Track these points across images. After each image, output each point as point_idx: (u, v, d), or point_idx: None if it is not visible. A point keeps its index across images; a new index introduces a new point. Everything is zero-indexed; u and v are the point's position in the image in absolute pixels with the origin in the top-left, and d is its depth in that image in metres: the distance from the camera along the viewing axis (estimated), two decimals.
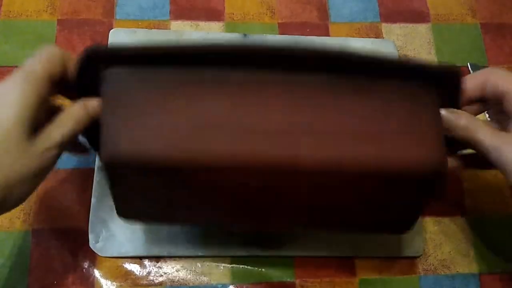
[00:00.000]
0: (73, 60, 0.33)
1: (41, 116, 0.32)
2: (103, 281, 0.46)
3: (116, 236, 0.46)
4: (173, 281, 0.46)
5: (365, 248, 0.48)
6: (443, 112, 0.35)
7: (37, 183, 0.31)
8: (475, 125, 0.35)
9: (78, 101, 0.34)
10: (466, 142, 0.36)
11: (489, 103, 0.37)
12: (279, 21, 0.58)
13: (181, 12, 0.57)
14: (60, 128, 0.32)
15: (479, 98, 0.37)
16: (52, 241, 0.47)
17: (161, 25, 0.56)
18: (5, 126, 0.29)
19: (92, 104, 0.33)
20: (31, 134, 0.30)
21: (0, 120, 0.29)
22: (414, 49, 0.58)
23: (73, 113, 0.33)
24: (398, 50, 0.57)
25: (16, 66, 0.52)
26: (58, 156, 0.32)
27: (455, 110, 0.36)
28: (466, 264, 0.50)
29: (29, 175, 0.30)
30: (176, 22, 0.57)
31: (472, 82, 0.36)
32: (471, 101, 0.37)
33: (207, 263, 0.47)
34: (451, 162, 0.39)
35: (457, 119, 0.35)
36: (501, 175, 0.36)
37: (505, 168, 0.34)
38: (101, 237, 0.46)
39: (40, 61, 0.31)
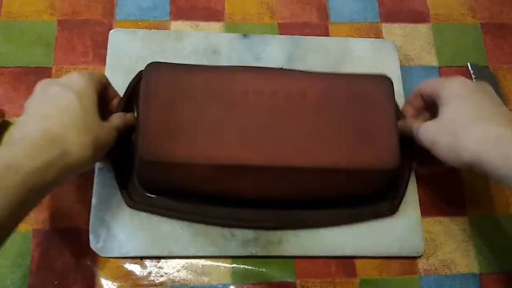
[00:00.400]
0: (111, 87, 0.47)
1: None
2: (103, 282, 0.46)
3: (116, 236, 0.46)
4: (174, 281, 0.46)
5: (365, 248, 0.48)
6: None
7: (104, 153, 0.43)
8: (407, 123, 0.48)
9: (119, 113, 0.47)
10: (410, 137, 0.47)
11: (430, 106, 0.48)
12: (279, 21, 0.58)
13: (181, 12, 0.57)
14: (115, 120, 0.45)
15: (423, 105, 0.49)
16: (53, 241, 0.47)
17: (161, 26, 0.56)
18: (89, 104, 0.41)
19: (129, 115, 0.47)
20: (100, 116, 0.42)
21: (86, 101, 0.41)
22: (414, 49, 0.58)
23: (119, 115, 0.46)
24: (398, 50, 0.57)
25: (18, 67, 0.52)
26: (115, 138, 0.44)
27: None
28: (466, 264, 0.50)
29: (104, 142, 0.42)
30: (176, 23, 0.57)
31: (412, 96, 0.50)
32: (419, 110, 0.49)
33: (208, 263, 0.47)
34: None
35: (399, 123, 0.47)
36: None
37: (426, 144, 0.44)
38: (101, 237, 0.46)
39: (94, 72, 0.46)
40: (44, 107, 0.40)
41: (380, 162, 0.45)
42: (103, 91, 0.45)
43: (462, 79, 0.44)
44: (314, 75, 0.49)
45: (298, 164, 0.44)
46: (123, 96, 0.49)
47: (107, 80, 0.46)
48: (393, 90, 0.47)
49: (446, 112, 0.43)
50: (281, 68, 0.53)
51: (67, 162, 0.37)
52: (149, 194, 0.48)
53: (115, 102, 0.48)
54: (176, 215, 0.47)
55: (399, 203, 0.50)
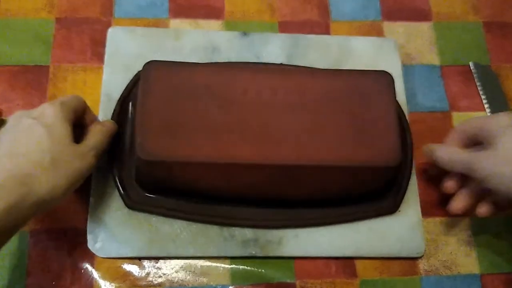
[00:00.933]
0: (89, 110, 0.46)
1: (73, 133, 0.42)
2: (101, 282, 0.45)
3: (115, 236, 0.46)
4: (172, 282, 0.46)
5: (365, 249, 0.48)
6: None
7: (82, 181, 0.41)
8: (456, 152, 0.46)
9: (98, 122, 0.46)
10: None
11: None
12: (279, 20, 0.58)
13: (180, 10, 0.57)
14: (92, 137, 0.43)
15: (466, 143, 0.47)
16: (50, 241, 0.46)
17: (160, 23, 0.56)
18: (60, 137, 0.40)
19: (108, 123, 0.46)
20: (74, 142, 0.41)
21: (57, 134, 0.39)
22: (416, 47, 0.58)
23: (98, 129, 0.44)
24: (399, 49, 0.56)
25: (16, 65, 0.52)
26: (96, 157, 0.42)
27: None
28: (467, 265, 0.49)
29: (78, 173, 0.40)
30: (175, 20, 0.56)
31: (452, 135, 0.48)
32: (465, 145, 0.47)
33: (207, 264, 0.47)
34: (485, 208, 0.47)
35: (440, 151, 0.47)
36: None
37: (478, 176, 0.43)
38: (99, 238, 0.46)
39: (68, 99, 0.43)
40: (13, 143, 0.39)
41: (381, 160, 0.44)
42: (80, 117, 0.44)
43: (509, 114, 0.45)
44: (314, 72, 0.48)
45: (298, 162, 0.44)
46: (119, 99, 0.50)
47: (85, 104, 0.45)
48: (394, 86, 0.47)
49: (503, 143, 0.42)
50: (280, 64, 0.53)
51: (35, 200, 0.37)
52: (147, 194, 0.47)
53: (93, 128, 0.45)
54: (175, 215, 0.47)
55: (400, 201, 0.49)
